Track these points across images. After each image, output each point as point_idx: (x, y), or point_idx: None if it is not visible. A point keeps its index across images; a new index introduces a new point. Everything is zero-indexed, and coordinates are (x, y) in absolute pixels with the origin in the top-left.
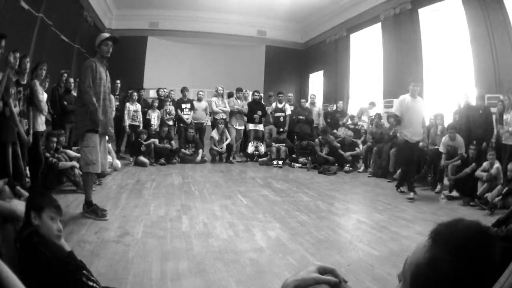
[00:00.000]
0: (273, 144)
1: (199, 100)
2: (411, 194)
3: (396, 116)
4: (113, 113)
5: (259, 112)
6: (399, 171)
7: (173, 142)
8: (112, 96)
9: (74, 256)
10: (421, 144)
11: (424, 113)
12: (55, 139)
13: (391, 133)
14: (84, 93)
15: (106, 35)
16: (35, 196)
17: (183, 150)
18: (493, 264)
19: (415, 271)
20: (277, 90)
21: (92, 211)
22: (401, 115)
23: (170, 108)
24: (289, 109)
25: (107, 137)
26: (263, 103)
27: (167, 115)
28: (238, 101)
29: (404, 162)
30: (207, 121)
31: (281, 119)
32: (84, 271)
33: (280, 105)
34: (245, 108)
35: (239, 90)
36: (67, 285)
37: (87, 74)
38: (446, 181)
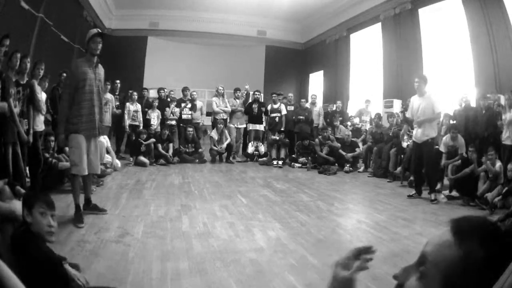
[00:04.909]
0: (276, 135)
1: (193, 100)
2: (432, 196)
3: (408, 118)
4: (108, 112)
5: (254, 106)
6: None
7: (171, 145)
8: (108, 95)
9: (61, 262)
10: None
11: (436, 110)
12: (52, 138)
13: (390, 133)
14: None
15: (94, 31)
16: (27, 193)
17: (181, 147)
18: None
19: (449, 268)
20: (277, 90)
21: (77, 216)
22: (412, 117)
23: (176, 109)
24: (284, 110)
25: (102, 138)
26: (263, 102)
27: (172, 115)
28: (237, 100)
29: (414, 166)
30: (203, 121)
31: (276, 119)
32: (68, 280)
33: (275, 106)
34: (240, 108)
35: (237, 89)
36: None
37: (70, 80)
38: (446, 181)
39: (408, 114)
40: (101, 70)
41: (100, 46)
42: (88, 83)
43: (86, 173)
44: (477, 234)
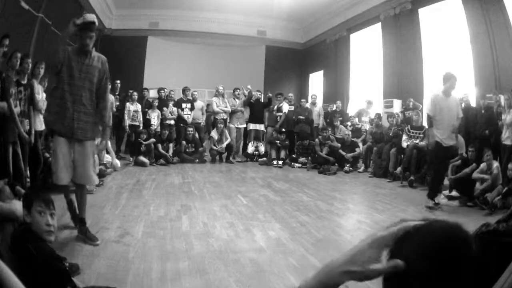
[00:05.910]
0: (277, 135)
1: (194, 100)
2: (431, 203)
3: (429, 116)
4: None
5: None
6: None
7: (171, 145)
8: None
9: (62, 262)
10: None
11: (460, 113)
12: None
13: (391, 133)
14: None
15: (77, 22)
16: (26, 193)
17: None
18: (463, 263)
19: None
20: (277, 90)
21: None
22: (433, 115)
23: (174, 109)
24: (286, 108)
25: (97, 141)
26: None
27: (170, 115)
28: (236, 100)
29: (436, 168)
30: (203, 120)
31: (278, 118)
32: (70, 279)
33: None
34: (241, 108)
35: (236, 89)
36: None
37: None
38: (446, 181)
39: (431, 113)
40: (97, 63)
41: (88, 41)
42: (68, 72)
43: (62, 182)
44: (416, 248)
